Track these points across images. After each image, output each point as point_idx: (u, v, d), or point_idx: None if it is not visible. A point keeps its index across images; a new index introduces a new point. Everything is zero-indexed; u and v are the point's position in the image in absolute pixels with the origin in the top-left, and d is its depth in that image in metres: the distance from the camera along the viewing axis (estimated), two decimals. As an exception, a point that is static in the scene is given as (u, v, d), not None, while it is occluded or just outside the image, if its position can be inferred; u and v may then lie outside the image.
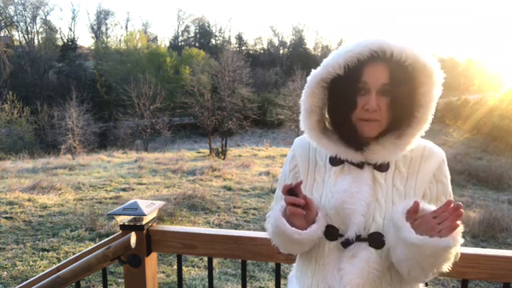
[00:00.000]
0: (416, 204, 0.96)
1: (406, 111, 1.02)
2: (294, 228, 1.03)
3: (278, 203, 1.12)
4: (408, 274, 1.01)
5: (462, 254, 1.39)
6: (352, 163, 1.07)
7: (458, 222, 0.90)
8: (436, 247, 0.91)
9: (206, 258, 4.11)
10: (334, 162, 1.10)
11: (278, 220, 1.05)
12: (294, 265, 1.27)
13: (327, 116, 1.11)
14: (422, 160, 1.07)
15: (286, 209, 1.04)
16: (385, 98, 0.99)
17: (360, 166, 1.07)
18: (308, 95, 1.07)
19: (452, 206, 0.90)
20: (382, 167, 1.06)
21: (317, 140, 1.10)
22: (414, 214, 0.96)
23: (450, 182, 1.10)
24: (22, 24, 40.38)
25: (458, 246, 0.92)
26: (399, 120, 1.03)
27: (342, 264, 1.05)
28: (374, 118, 1.00)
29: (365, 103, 0.99)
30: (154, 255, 1.77)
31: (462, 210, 0.89)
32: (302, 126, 1.11)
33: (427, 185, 1.06)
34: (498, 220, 6.13)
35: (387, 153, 1.04)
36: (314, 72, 1.06)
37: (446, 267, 0.96)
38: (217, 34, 54.79)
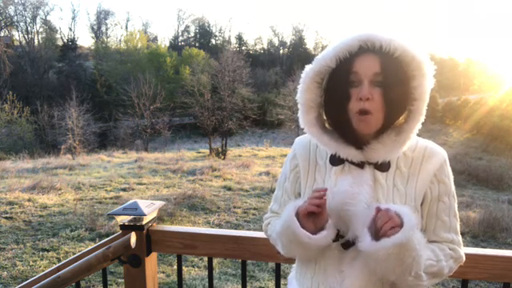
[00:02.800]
0: (376, 210, 0.96)
1: (400, 103, 1.02)
2: (304, 230, 1.01)
3: (289, 203, 1.10)
4: (398, 282, 1.01)
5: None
6: (352, 163, 1.07)
7: (395, 216, 0.93)
8: (386, 247, 0.92)
9: (206, 258, 4.11)
10: (335, 161, 1.09)
11: (290, 220, 1.03)
12: (294, 266, 1.26)
13: (325, 117, 1.11)
14: (424, 160, 1.07)
15: (298, 210, 1.03)
16: (378, 89, 0.99)
17: (360, 165, 1.06)
18: (303, 90, 1.08)
19: (375, 209, 0.95)
20: (383, 167, 1.05)
21: (318, 137, 1.09)
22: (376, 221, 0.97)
23: (452, 183, 1.09)
24: (22, 24, 40.44)
25: (413, 240, 0.92)
26: (395, 113, 1.03)
27: (343, 266, 1.05)
28: (368, 108, 0.99)
29: (358, 93, 1.00)
30: (153, 255, 1.77)
31: (379, 207, 0.94)
32: (301, 122, 1.10)
33: (428, 185, 1.06)
34: (498, 220, 6.13)
35: (388, 151, 1.03)
36: (307, 67, 1.07)
37: (420, 267, 0.96)
38: (217, 33, 54.81)
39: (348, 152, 1.06)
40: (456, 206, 1.10)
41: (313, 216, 1.02)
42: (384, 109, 1.00)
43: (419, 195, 1.05)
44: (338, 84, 1.03)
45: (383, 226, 0.94)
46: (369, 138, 1.04)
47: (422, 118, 1.03)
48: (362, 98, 0.98)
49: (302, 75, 1.08)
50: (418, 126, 1.03)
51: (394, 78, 0.99)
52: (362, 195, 1.03)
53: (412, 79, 1.01)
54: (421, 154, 1.07)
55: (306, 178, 1.15)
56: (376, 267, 0.97)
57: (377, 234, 0.96)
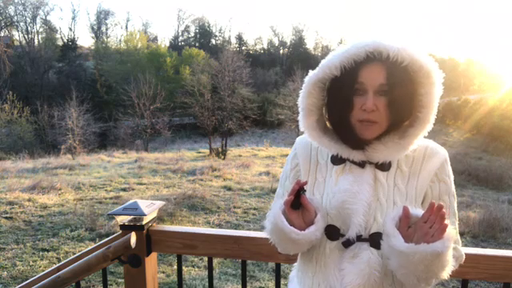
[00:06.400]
0: (405, 210, 0.95)
1: (405, 112, 1.02)
2: (292, 227, 1.03)
3: (278, 201, 1.11)
4: (406, 282, 1.01)
5: (462, 254, 1.39)
6: (353, 162, 1.07)
7: (446, 222, 0.90)
8: (424, 253, 0.90)
9: (206, 258, 4.11)
10: (336, 160, 1.10)
11: (278, 217, 1.05)
12: (295, 264, 1.27)
13: (326, 116, 1.11)
14: (424, 159, 1.07)
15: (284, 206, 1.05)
16: (383, 99, 0.99)
17: (361, 165, 1.06)
18: (305, 95, 1.08)
19: (435, 207, 0.91)
20: (384, 166, 1.05)
21: (317, 139, 1.10)
22: (405, 220, 0.96)
23: (453, 182, 1.09)
24: (22, 24, 40.39)
25: (449, 251, 0.91)
26: (399, 120, 1.03)
27: (343, 264, 1.05)
28: (371, 118, 0.99)
29: (362, 104, 0.99)
30: (153, 255, 1.77)
31: (444, 210, 0.90)
32: (301, 125, 1.11)
33: (429, 184, 1.06)
34: (498, 220, 6.13)
35: (389, 152, 1.03)
36: (311, 73, 1.07)
37: (444, 274, 0.94)
38: (217, 33, 54.77)
39: (349, 152, 1.06)
40: (456, 205, 1.10)
41: (302, 212, 1.05)
42: (389, 117, 1.00)
43: (420, 194, 1.05)
44: (341, 92, 1.02)
45: (432, 226, 0.91)
46: (371, 139, 1.05)
47: (429, 127, 1.02)
48: (366, 109, 0.98)
49: (305, 80, 1.07)
50: (424, 133, 1.03)
51: (399, 88, 0.98)
52: (363, 194, 1.03)
53: (420, 86, 1.00)
54: (421, 153, 1.08)
55: (306, 177, 1.15)
56: (401, 268, 0.96)
57: (407, 235, 0.95)
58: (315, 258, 1.12)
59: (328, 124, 1.12)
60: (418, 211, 0.98)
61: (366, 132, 1.02)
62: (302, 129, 1.11)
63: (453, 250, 1.06)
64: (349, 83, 1.00)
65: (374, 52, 0.98)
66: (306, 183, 1.02)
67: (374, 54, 0.99)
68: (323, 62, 1.04)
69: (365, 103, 0.98)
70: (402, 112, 1.01)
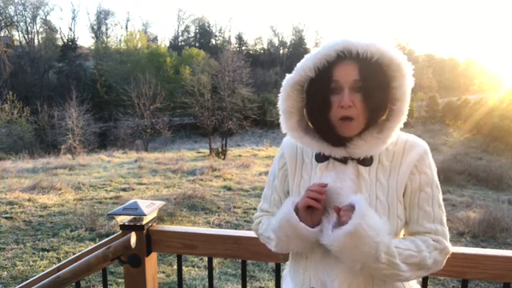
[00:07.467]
0: (335, 209, 1.02)
1: (381, 105, 1.05)
2: (304, 224, 1.05)
3: (287, 203, 1.12)
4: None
5: (462, 254, 1.39)
6: (336, 159, 1.10)
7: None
8: (338, 239, 0.98)
9: (206, 258, 4.10)
10: (319, 158, 1.13)
11: (289, 215, 1.06)
12: (288, 263, 1.29)
13: (307, 117, 1.14)
14: (404, 153, 1.10)
15: (297, 205, 1.07)
16: (358, 95, 1.02)
17: (344, 161, 1.09)
18: (284, 98, 1.11)
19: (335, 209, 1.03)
20: (366, 161, 1.08)
21: (299, 139, 1.13)
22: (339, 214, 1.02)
23: (435, 174, 1.11)
24: (22, 24, 40.41)
25: (363, 229, 0.95)
26: (376, 114, 1.06)
27: (331, 259, 1.08)
28: (349, 114, 1.02)
29: (339, 101, 1.02)
30: (154, 255, 1.77)
31: (337, 207, 1.02)
32: (283, 127, 1.14)
33: (409, 176, 1.08)
34: (498, 220, 6.12)
35: (369, 147, 1.06)
36: (288, 76, 1.10)
37: (379, 255, 0.97)
38: (217, 33, 54.74)
39: (331, 149, 1.09)
40: (441, 197, 1.11)
41: (310, 210, 1.06)
42: (366, 112, 1.03)
43: (400, 187, 1.08)
44: (319, 92, 1.06)
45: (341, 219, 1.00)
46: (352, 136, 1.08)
47: (404, 118, 1.06)
48: (343, 106, 1.01)
49: (283, 83, 1.11)
50: (400, 125, 1.06)
51: (373, 82, 1.02)
52: (345, 190, 1.07)
53: (393, 80, 1.04)
54: (401, 147, 1.11)
55: (293, 175, 1.19)
56: (339, 257, 1.02)
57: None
58: (305, 255, 1.15)
59: (310, 124, 1.14)
60: (353, 198, 1.02)
61: (345, 130, 1.05)
62: (283, 130, 1.14)
63: (436, 242, 1.07)
64: (324, 83, 1.04)
65: (344, 50, 1.02)
66: (326, 185, 1.05)
67: (345, 53, 1.02)
68: (298, 65, 1.08)
69: (341, 100, 1.02)
70: (377, 105, 1.04)
